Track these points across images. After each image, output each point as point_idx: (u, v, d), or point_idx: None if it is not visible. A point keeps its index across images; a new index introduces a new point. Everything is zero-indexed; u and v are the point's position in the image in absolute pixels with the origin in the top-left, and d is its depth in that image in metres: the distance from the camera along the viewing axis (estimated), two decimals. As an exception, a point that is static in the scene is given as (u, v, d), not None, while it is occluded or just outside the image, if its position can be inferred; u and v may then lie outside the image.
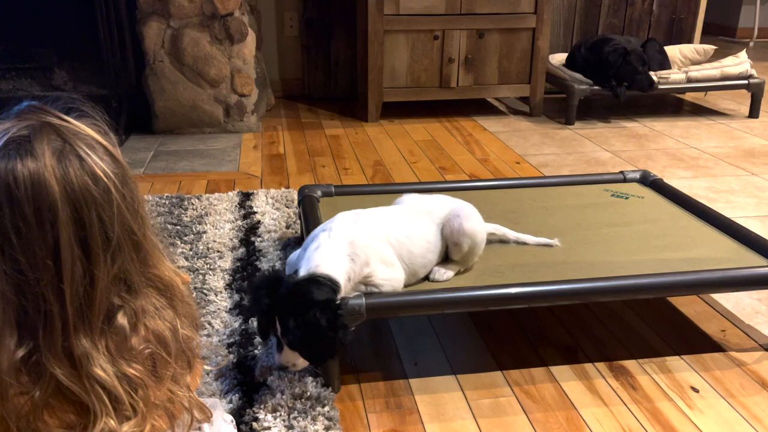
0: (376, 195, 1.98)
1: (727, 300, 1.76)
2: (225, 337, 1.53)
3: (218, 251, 1.94)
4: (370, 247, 1.40)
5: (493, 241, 1.65)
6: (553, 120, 3.53)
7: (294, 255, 1.52)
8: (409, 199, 1.62)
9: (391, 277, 1.41)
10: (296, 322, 1.24)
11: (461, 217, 1.52)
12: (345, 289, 1.34)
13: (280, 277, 1.33)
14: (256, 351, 1.47)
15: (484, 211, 1.60)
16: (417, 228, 1.50)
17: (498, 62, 3.48)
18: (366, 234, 1.41)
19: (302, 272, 1.34)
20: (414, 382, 1.42)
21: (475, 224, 1.52)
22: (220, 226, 2.10)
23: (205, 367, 1.36)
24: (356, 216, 1.47)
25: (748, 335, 1.61)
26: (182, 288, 0.89)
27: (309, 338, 1.26)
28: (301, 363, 1.32)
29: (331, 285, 1.30)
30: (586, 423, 1.31)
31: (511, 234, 1.67)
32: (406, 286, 1.46)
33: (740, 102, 3.82)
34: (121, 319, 0.79)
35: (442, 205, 1.57)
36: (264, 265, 1.86)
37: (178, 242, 1.99)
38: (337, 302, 1.29)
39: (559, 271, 1.52)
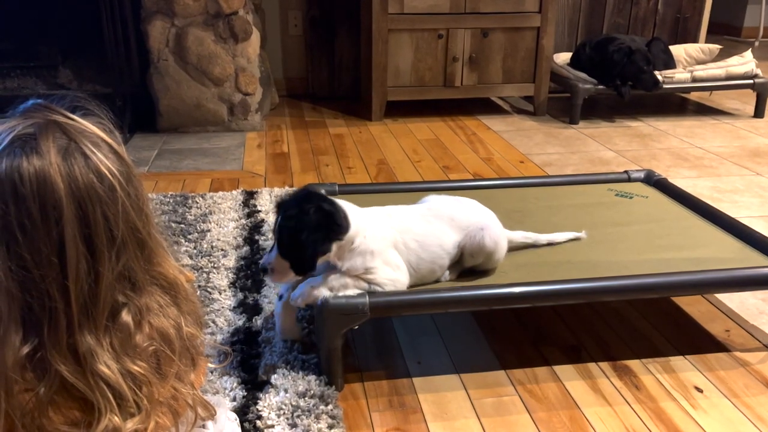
0: (379, 194, 1.98)
1: (732, 300, 1.75)
2: (229, 335, 1.53)
3: (222, 250, 1.94)
4: (377, 240, 1.39)
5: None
6: (557, 119, 3.52)
7: None
8: (434, 200, 1.57)
9: (394, 278, 1.40)
10: (292, 213, 1.31)
11: (484, 231, 1.47)
12: (345, 240, 1.36)
13: (312, 190, 1.44)
14: (259, 349, 1.47)
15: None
16: (432, 234, 1.46)
17: (502, 61, 3.47)
18: (377, 233, 1.40)
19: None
20: (417, 381, 1.42)
21: (497, 242, 1.48)
22: (224, 224, 2.10)
23: (209, 365, 1.36)
24: (370, 212, 1.45)
25: (752, 335, 1.61)
26: (186, 286, 0.89)
27: (295, 231, 1.30)
28: (280, 272, 1.35)
29: (344, 215, 1.34)
30: (589, 422, 1.31)
31: (543, 238, 1.63)
32: (411, 287, 1.45)
33: (745, 102, 3.81)
34: (126, 317, 0.79)
35: (467, 213, 1.52)
36: (268, 263, 1.86)
37: (182, 240, 1.99)
38: (339, 221, 1.33)
39: (562, 271, 1.52)
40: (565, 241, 1.65)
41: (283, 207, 1.36)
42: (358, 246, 1.36)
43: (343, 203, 1.38)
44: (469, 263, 1.50)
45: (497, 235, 1.49)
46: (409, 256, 1.43)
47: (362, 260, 1.36)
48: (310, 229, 1.30)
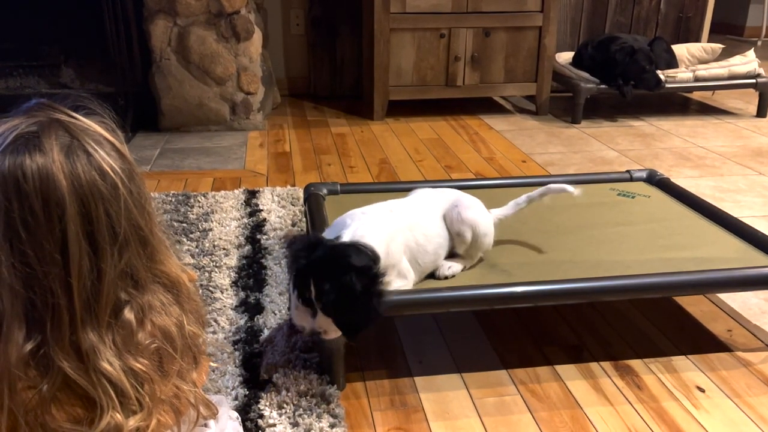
0: (381, 193, 1.98)
1: (734, 300, 1.75)
2: (231, 334, 1.54)
3: (224, 249, 1.94)
4: (398, 252, 1.38)
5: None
6: (559, 119, 3.52)
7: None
8: (421, 192, 1.60)
9: (401, 286, 1.41)
10: (331, 286, 1.22)
11: (459, 207, 1.51)
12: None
13: (319, 240, 1.31)
14: (261, 348, 1.48)
15: (490, 210, 1.60)
16: (433, 225, 1.49)
17: (504, 61, 3.47)
18: (394, 244, 1.38)
19: (345, 238, 1.31)
20: (419, 381, 1.42)
21: (476, 214, 1.51)
22: (226, 223, 2.10)
23: (211, 364, 1.36)
24: (382, 220, 1.42)
25: (754, 335, 1.61)
26: (188, 285, 0.90)
27: (343, 303, 1.23)
28: (333, 331, 1.28)
29: (372, 254, 1.27)
30: (591, 422, 1.31)
31: (535, 193, 1.63)
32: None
33: (748, 101, 3.80)
34: (128, 314, 0.79)
35: (445, 197, 1.56)
36: (270, 263, 1.86)
37: (184, 239, 1.99)
38: (376, 271, 1.25)
39: (564, 270, 1.52)
40: (558, 192, 1.61)
41: (317, 273, 1.24)
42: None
43: (362, 231, 1.32)
44: (460, 247, 1.51)
45: (472, 207, 1.52)
46: (416, 253, 1.43)
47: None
48: (359, 297, 1.22)
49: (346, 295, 1.22)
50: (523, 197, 1.64)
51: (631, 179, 2.08)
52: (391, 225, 1.41)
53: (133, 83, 3.14)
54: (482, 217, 1.53)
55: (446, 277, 1.50)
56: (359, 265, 1.24)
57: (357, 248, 1.27)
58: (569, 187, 1.60)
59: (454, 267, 1.51)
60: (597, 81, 3.40)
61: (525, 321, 1.64)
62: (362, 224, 1.35)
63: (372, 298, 1.24)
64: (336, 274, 1.22)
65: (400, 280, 1.40)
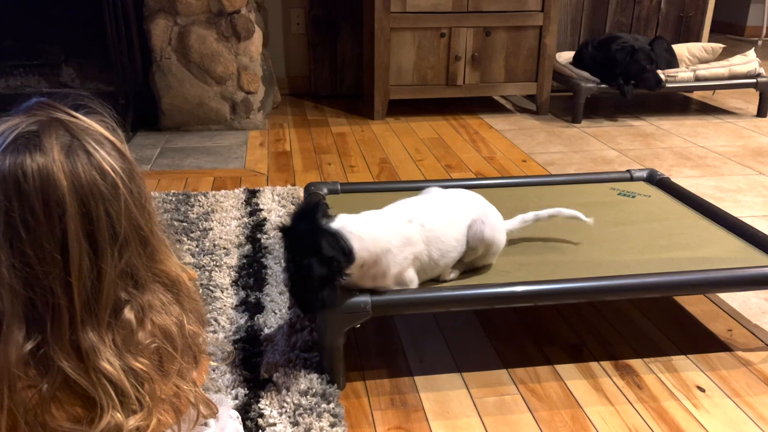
0: (382, 192, 1.98)
1: (734, 299, 1.75)
2: (231, 333, 1.54)
3: (224, 248, 1.94)
4: (396, 265, 1.36)
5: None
6: (559, 118, 3.52)
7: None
8: (447, 197, 1.55)
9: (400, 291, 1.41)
10: (294, 261, 1.26)
11: (485, 224, 1.47)
12: (354, 271, 1.30)
13: (312, 212, 1.30)
14: (261, 347, 1.48)
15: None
16: (452, 239, 1.45)
17: (505, 60, 3.47)
18: (403, 252, 1.36)
19: (335, 225, 1.30)
20: (419, 380, 1.42)
21: (495, 234, 1.48)
22: (227, 223, 2.10)
23: (211, 363, 1.36)
24: (410, 223, 1.40)
25: (754, 335, 1.61)
26: (189, 284, 0.90)
27: (297, 281, 1.27)
28: None
29: (347, 251, 1.26)
30: (591, 422, 1.31)
31: (544, 213, 1.63)
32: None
33: (748, 101, 3.80)
34: (128, 314, 0.79)
35: (471, 205, 1.52)
36: (270, 262, 1.86)
37: (185, 239, 1.99)
38: (340, 265, 1.25)
39: (564, 270, 1.52)
40: (569, 217, 1.63)
41: (291, 242, 1.29)
42: (369, 270, 1.33)
43: (354, 228, 1.30)
44: (469, 257, 1.50)
45: (496, 227, 1.50)
46: (426, 266, 1.42)
47: (373, 282, 1.35)
48: (313, 280, 1.24)
49: (301, 276, 1.25)
50: (531, 214, 1.62)
51: (632, 179, 2.08)
52: (399, 237, 1.36)
53: (133, 82, 3.14)
54: (499, 238, 1.50)
55: (446, 281, 1.49)
56: (325, 255, 1.24)
57: (336, 238, 1.26)
58: (581, 215, 1.60)
59: (454, 272, 1.50)
60: (597, 80, 3.40)
61: (525, 321, 1.64)
62: (361, 223, 1.34)
63: (324, 289, 1.25)
64: (300, 253, 1.25)
65: (398, 285, 1.39)
